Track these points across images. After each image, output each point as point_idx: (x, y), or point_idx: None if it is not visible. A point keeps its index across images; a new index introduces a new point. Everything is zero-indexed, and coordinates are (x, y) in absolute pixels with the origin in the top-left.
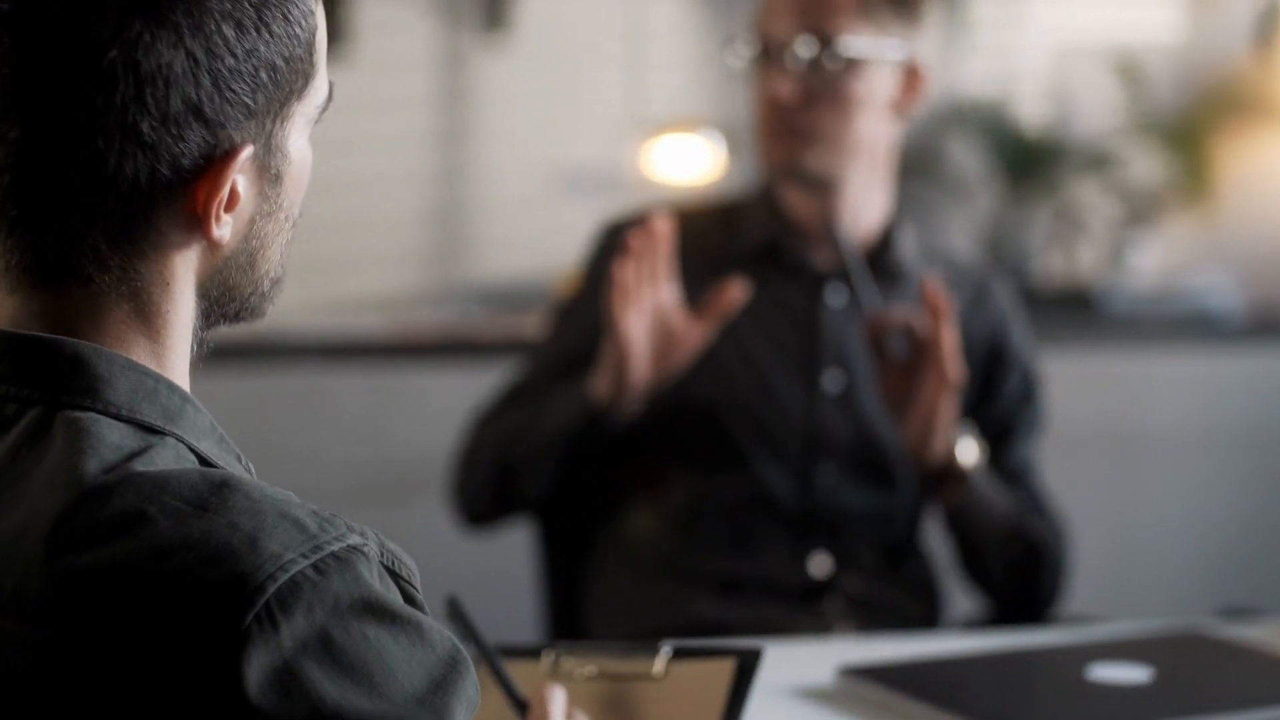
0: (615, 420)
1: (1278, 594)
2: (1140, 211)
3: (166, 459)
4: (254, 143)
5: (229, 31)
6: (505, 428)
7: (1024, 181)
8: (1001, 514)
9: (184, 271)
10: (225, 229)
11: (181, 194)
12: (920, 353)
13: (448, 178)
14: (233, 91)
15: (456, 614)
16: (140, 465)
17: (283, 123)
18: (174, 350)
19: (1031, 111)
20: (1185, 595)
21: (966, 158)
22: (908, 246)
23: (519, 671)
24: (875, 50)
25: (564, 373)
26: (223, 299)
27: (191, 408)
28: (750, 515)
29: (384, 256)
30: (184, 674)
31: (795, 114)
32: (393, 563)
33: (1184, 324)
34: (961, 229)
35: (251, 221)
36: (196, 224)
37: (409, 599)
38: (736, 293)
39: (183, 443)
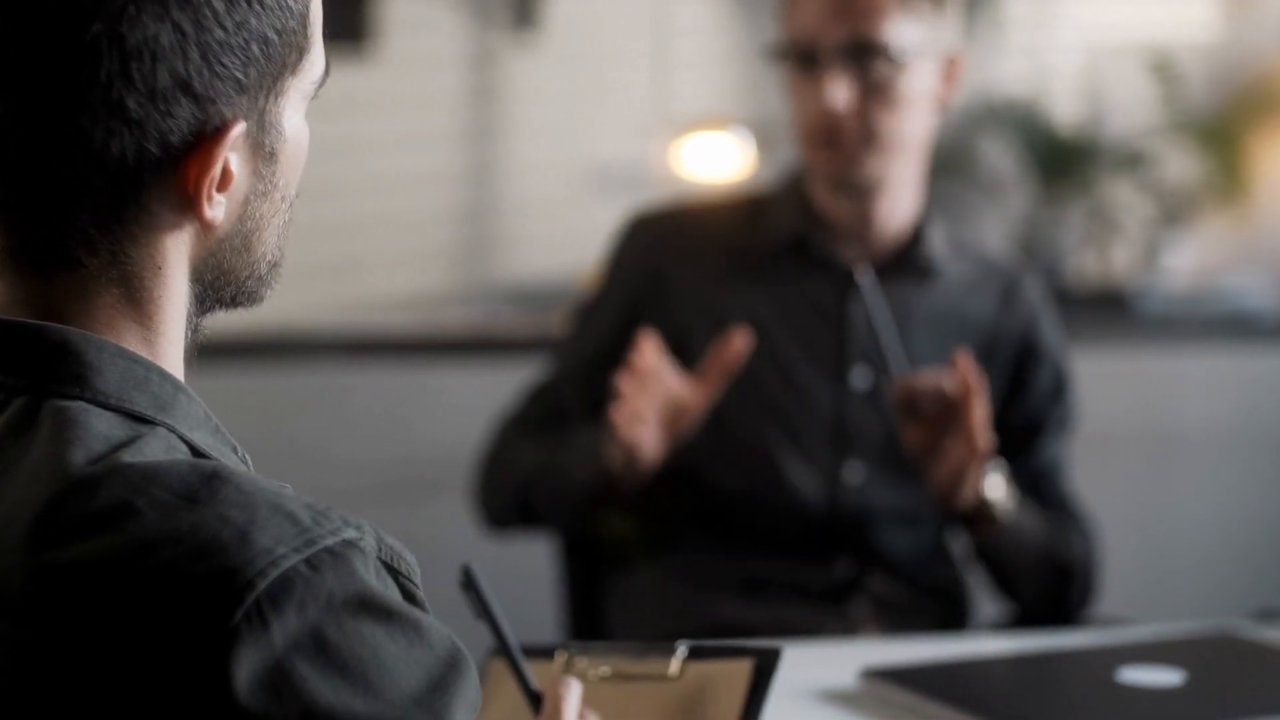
0: (630, 485)
1: None
2: (1174, 211)
3: (157, 449)
4: (246, 119)
5: (218, 3)
6: (527, 459)
7: (1058, 181)
8: (1031, 540)
9: (176, 255)
10: (218, 209)
11: (172, 173)
12: (949, 412)
13: (476, 177)
14: (223, 65)
15: (470, 585)
16: (128, 456)
17: (276, 98)
18: (166, 337)
19: (1065, 110)
20: (1218, 596)
21: (1000, 157)
22: (938, 242)
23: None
24: (920, 44)
25: (587, 374)
26: (217, 283)
27: (184, 396)
28: (775, 514)
29: (412, 256)
30: (171, 673)
31: (848, 121)
32: (391, 558)
33: (1218, 324)
34: (995, 229)
35: (246, 202)
36: (188, 204)
37: (409, 596)
38: (740, 344)
39: (174, 433)
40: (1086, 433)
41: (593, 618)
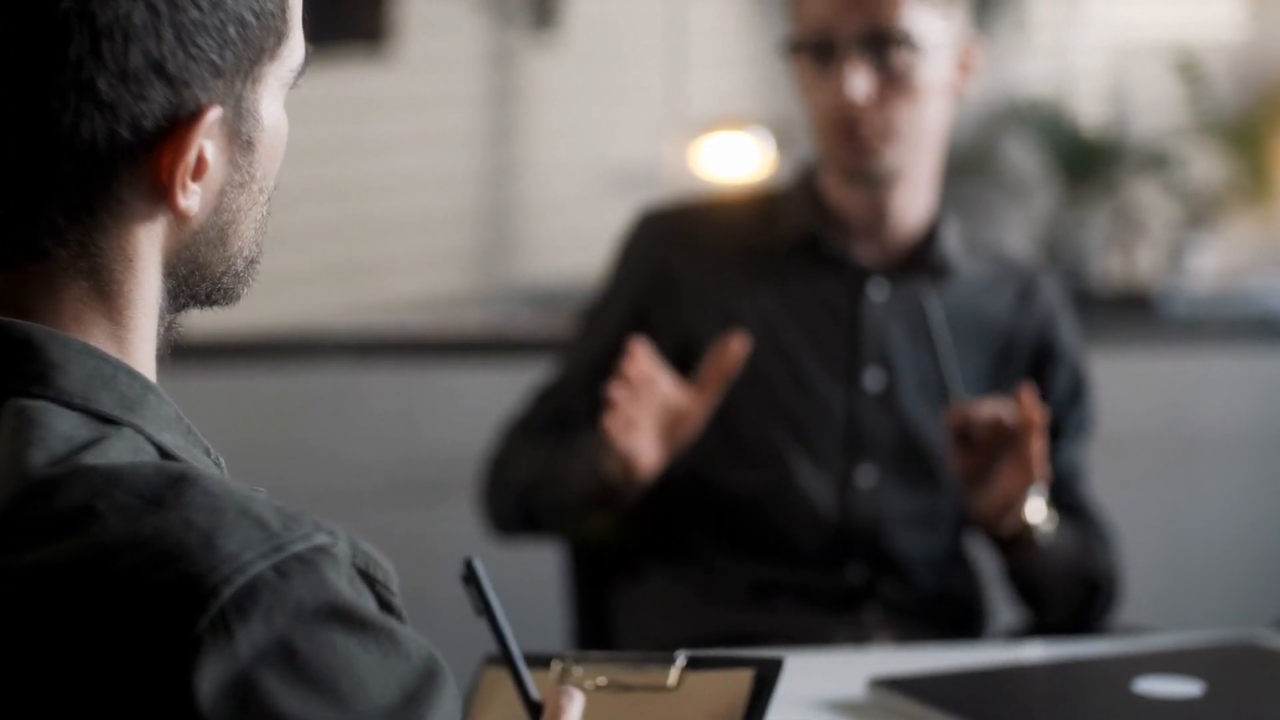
0: (628, 493)
1: None
2: (1200, 212)
3: (122, 451)
4: (222, 105)
5: None
6: (529, 465)
7: (1082, 182)
8: (1064, 560)
9: (148, 247)
10: (192, 199)
11: (144, 159)
12: (1003, 438)
13: (494, 177)
14: (198, 47)
15: (472, 578)
16: (91, 457)
17: (254, 84)
18: (137, 334)
19: (1090, 111)
20: (1240, 604)
21: (1024, 158)
22: (952, 241)
23: None
24: (937, 32)
25: (593, 375)
26: (192, 278)
27: (154, 396)
28: (786, 519)
29: (430, 257)
30: (132, 684)
31: (868, 113)
32: (366, 565)
33: (1243, 326)
34: (1018, 229)
35: (221, 193)
36: (161, 193)
37: (385, 605)
38: (738, 349)
39: (141, 434)
40: (1110, 435)
41: (601, 624)
